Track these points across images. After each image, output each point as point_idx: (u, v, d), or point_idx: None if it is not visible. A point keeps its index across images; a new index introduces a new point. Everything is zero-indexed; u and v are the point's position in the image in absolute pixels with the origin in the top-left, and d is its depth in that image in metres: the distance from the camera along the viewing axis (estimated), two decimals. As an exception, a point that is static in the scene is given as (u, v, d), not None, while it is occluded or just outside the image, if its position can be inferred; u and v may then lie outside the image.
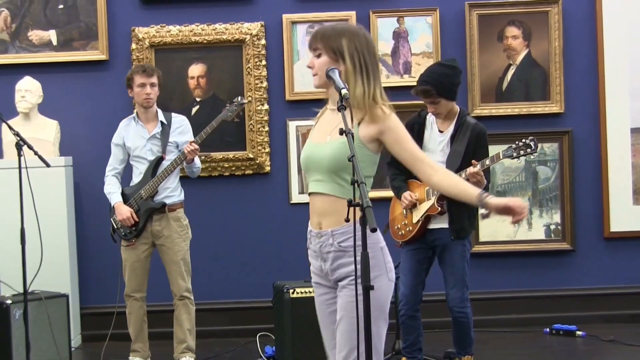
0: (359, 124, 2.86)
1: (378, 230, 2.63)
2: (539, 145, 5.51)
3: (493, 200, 2.80)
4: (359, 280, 2.67)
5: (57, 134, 6.05)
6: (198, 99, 6.13)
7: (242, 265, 6.14)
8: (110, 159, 5.20)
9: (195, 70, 6.11)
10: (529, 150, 4.34)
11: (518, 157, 4.38)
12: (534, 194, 6.14)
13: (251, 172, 6.13)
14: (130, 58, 6.13)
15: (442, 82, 4.43)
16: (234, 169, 6.15)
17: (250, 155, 6.11)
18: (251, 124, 6.13)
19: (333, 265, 2.93)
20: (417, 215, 4.58)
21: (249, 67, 6.09)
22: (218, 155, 6.13)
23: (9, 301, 5.12)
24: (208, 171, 6.11)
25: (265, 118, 6.13)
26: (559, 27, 6.08)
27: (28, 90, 5.92)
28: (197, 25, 6.12)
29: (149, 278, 5.23)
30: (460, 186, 2.90)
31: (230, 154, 6.10)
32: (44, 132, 5.96)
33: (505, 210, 2.79)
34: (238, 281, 6.15)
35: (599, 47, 6.12)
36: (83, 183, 6.15)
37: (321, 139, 2.95)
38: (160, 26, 6.13)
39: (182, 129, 5.19)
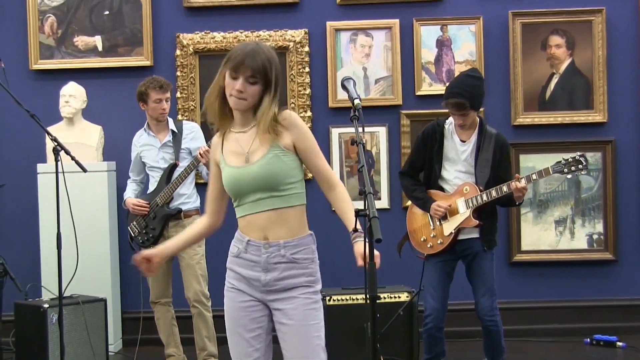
0: (276, 133, 2.90)
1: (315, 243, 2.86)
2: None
3: (355, 244, 2.83)
4: (312, 290, 2.88)
5: (101, 139, 6.05)
6: None
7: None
8: (130, 170, 5.28)
9: None
10: (580, 166, 4.31)
11: (568, 173, 4.33)
12: (577, 203, 6.09)
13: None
14: (174, 64, 6.14)
15: (474, 94, 4.36)
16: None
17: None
18: None
19: (281, 276, 2.93)
20: (449, 228, 4.50)
21: (292, 74, 6.08)
22: None
23: (46, 305, 5.14)
24: None
25: (309, 125, 6.10)
26: (602, 36, 6.03)
27: (72, 96, 5.92)
28: (241, 32, 6.13)
29: (173, 284, 5.19)
30: (345, 216, 2.91)
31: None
32: (88, 137, 5.97)
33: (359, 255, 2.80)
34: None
35: (642, 56, 6.04)
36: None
37: (240, 161, 2.94)
38: (205, 33, 6.13)
39: (193, 135, 5.17)
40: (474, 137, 4.46)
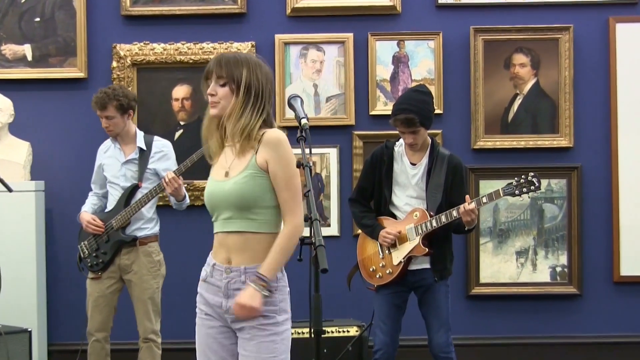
0: (255, 152, 2.91)
1: (284, 272, 2.88)
2: (546, 181, 5.58)
3: (243, 291, 2.87)
4: (271, 321, 2.85)
5: (29, 156, 5.85)
6: (182, 123, 5.96)
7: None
8: (92, 181, 5.15)
9: (180, 91, 5.95)
10: (532, 187, 4.25)
11: (520, 195, 4.28)
12: (540, 233, 5.97)
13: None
14: (110, 76, 5.94)
15: (424, 109, 4.33)
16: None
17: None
18: None
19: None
20: (398, 256, 4.44)
21: None
22: (200, 183, 5.82)
23: (-35, 335, 4.90)
24: (201, 200, 5.67)
25: (255, 146, 5.81)
26: (569, 55, 5.90)
27: (-2, 108, 5.74)
28: (183, 44, 5.97)
29: (116, 313, 5.03)
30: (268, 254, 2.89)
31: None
32: (14, 153, 5.79)
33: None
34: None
35: (611, 77, 5.94)
36: (56, 209, 5.92)
37: (221, 175, 2.97)
38: (144, 43, 5.97)
39: (162, 155, 5.00)
40: (424, 160, 4.44)
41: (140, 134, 5.02)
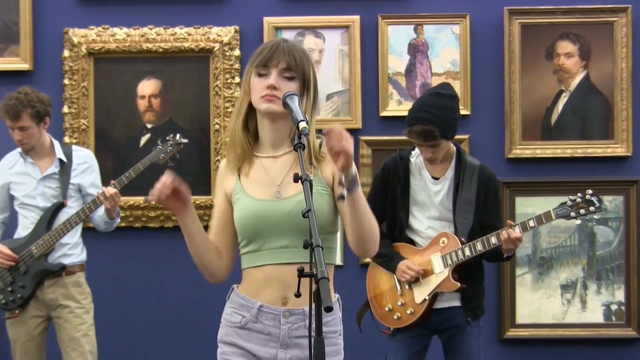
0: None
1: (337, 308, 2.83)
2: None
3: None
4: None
5: None
6: (149, 126, 5.57)
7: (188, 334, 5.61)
8: None
9: (147, 87, 5.59)
10: (591, 208, 4.09)
11: (576, 218, 4.11)
12: (590, 262, 5.57)
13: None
14: (61, 69, 5.53)
15: (446, 118, 4.10)
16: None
17: (219, 202, 5.53)
18: (217, 160, 5.47)
19: (304, 355, 2.74)
20: (422, 293, 4.22)
21: (217, 85, 5.58)
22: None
23: None
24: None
25: (236, 154, 5.49)
26: (627, 43, 5.49)
27: None
28: (151, 29, 5.56)
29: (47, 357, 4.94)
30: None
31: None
32: None
33: None
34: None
35: (679, 69, 5.58)
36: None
37: (268, 194, 2.81)
38: (102, 28, 5.57)
39: (86, 167, 4.89)
40: (450, 173, 4.23)
41: (57, 144, 4.90)
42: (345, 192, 2.57)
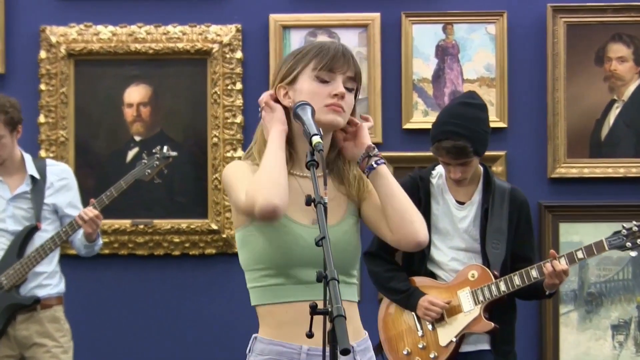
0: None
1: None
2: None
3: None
4: None
5: None
6: (137, 139, 5.39)
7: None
8: None
9: (135, 94, 5.38)
10: None
11: (632, 249, 3.96)
12: None
13: (214, 250, 5.36)
14: (37, 72, 5.32)
15: (479, 131, 3.97)
16: (187, 245, 5.37)
17: (214, 226, 5.32)
18: (216, 178, 5.28)
19: None
20: (449, 334, 4.07)
21: (216, 92, 5.36)
22: (162, 223, 5.23)
23: None
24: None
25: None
26: None
27: None
28: (140, 27, 5.32)
29: None
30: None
31: (183, 224, 5.33)
32: None
33: None
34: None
35: None
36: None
37: (306, 218, 2.66)
38: (85, 26, 5.33)
39: (63, 184, 4.72)
40: (477, 196, 4.10)
41: (28, 158, 4.71)
42: (374, 163, 2.55)
